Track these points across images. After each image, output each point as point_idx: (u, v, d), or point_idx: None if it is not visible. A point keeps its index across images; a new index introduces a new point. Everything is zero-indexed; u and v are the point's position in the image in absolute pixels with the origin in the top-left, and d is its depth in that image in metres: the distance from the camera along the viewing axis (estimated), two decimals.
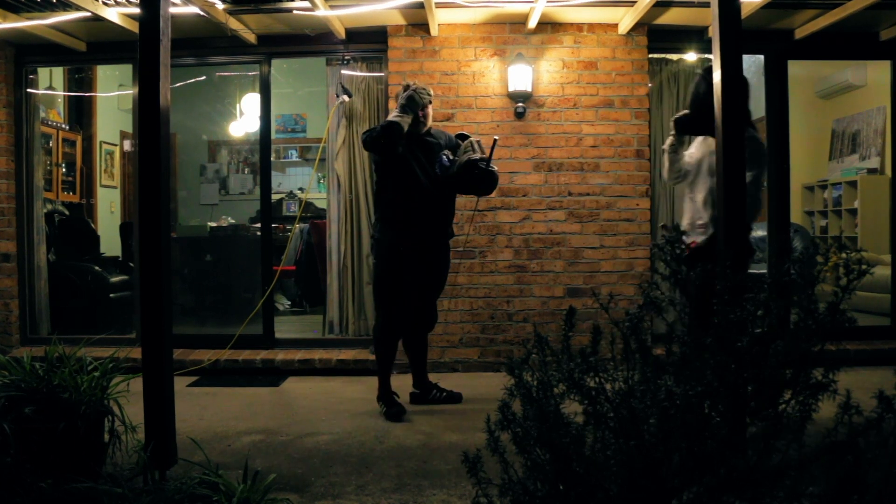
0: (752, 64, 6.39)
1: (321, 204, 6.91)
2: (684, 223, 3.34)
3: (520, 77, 4.60)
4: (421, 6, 4.24)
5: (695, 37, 4.80)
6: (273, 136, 5.29)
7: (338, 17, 4.52)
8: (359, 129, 4.96)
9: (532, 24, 4.55)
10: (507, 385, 1.38)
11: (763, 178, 3.45)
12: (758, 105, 5.16)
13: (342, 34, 4.72)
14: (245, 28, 4.62)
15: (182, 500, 1.93)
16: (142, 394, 2.44)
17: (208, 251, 5.87)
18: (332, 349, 4.80)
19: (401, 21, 4.66)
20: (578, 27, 4.71)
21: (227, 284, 5.66)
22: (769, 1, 4.06)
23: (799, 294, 1.24)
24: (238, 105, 7.52)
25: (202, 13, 4.21)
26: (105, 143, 7.53)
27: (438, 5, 4.30)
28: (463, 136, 3.61)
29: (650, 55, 4.78)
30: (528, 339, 1.44)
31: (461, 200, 4.69)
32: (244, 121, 7.57)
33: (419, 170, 3.46)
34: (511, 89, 4.64)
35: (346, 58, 4.97)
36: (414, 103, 3.42)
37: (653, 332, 1.81)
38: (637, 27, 4.65)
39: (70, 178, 7.00)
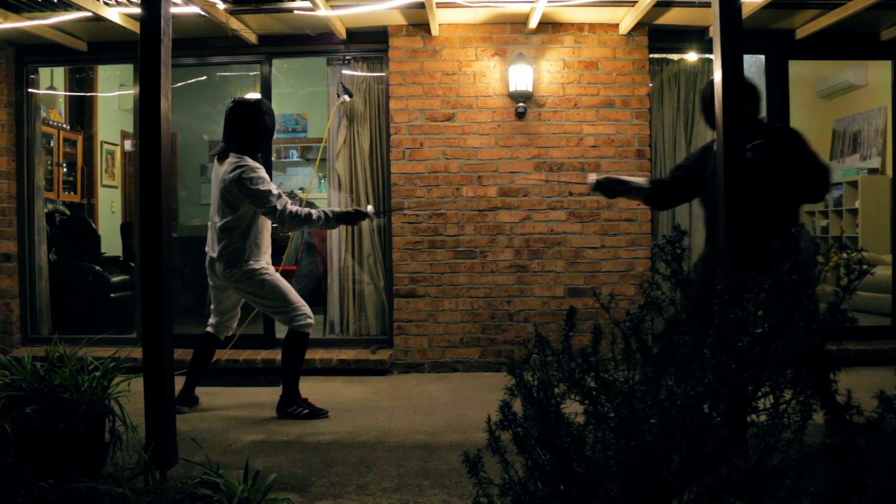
0: (753, 64, 6.38)
1: (322, 204, 6.91)
2: None
3: (521, 77, 4.60)
4: (422, 6, 4.25)
5: (695, 37, 4.80)
6: (274, 135, 5.28)
7: (338, 17, 4.52)
8: (360, 129, 4.97)
9: (533, 24, 4.55)
10: (507, 385, 1.39)
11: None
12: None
13: (343, 34, 4.73)
14: (246, 28, 4.62)
15: (183, 500, 1.93)
16: (142, 394, 2.44)
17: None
18: (332, 349, 4.81)
19: (401, 21, 4.66)
20: (579, 27, 4.71)
21: None
22: (770, 1, 4.06)
23: (800, 294, 1.24)
24: None
25: (203, 13, 4.21)
26: (106, 142, 7.53)
27: (439, 5, 4.30)
28: None
29: (651, 55, 4.78)
30: (528, 338, 1.44)
31: (462, 201, 4.70)
32: None
33: None
34: (512, 89, 4.64)
35: (347, 58, 4.97)
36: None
37: (653, 332, 1.81)
38: (638, 27, 4.65)
39: (71, 178, 7.00)
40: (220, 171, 3.49)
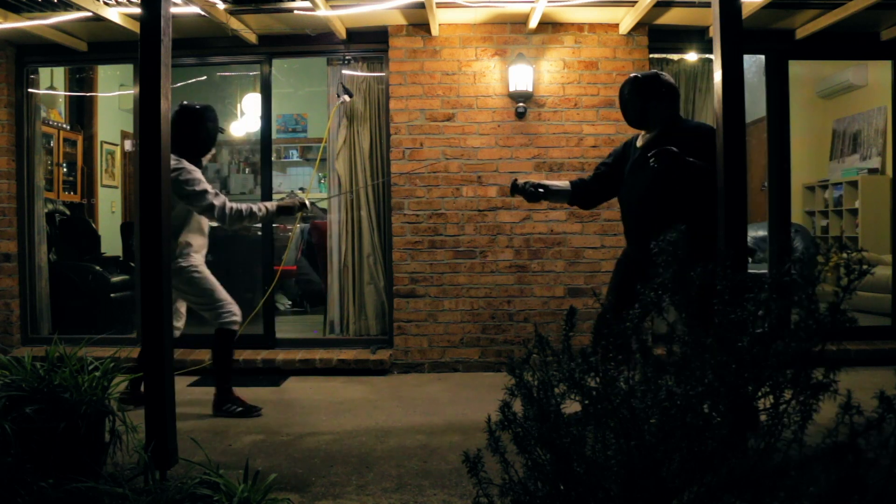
0: (753, 64, 6.40)
1: (322, 204, 6.92)
2: None
3: (521, 77, 4.60)
4: (422, 6, 4.25)
5: (695, 37, 4.80)
6: (274, 136, 5.30)
7: (338, 17, 4.52)
8: (360, 129, 4.97)
9: (533, 24, 4.55)
10: (507, 385, 1.39)
11: None
12: (758, 105, 5.17)
13: (343, 34, 4.72)
14: (246, 28, 4.62)
15: (183, 500, 1.93)
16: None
17: (209, 251, 5.85)
18: (332, 349, 4.81)
19: (401, 21, 4.66)
20: (579, 27, 4.71)
21: (227, 284, 5.57)
22: (770, 1, 4.06)
23: (800, 294, 1.24)
24: (239, 105, 7.52)
25: (203, 13, 4.21)
26: (106, 142, 7.54)
27: (439, 5, 4.30)
28: None
29: (651, 55, 4.78)
30: (528, 338, 1.44)
31: (462, 200, 4.70)
32: (245, 121, 7.58)
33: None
34: (512, 89, 4.64)
35: (347, 58, 4.97)
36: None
37: (653, 332, 1.82)
38: (638, 27, 4.65)
39: (71, 178, 7.00)
40: None
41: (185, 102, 3.67)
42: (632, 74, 3.15)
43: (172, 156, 3.47)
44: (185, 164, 3.51)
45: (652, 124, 3.08)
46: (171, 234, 2.52)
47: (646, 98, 3.04)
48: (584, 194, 3.32)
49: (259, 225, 5.01)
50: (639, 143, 3.17)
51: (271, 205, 3.61)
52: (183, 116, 3.59)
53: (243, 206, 3.51)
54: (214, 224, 3.69)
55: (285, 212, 3.65)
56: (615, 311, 1.36)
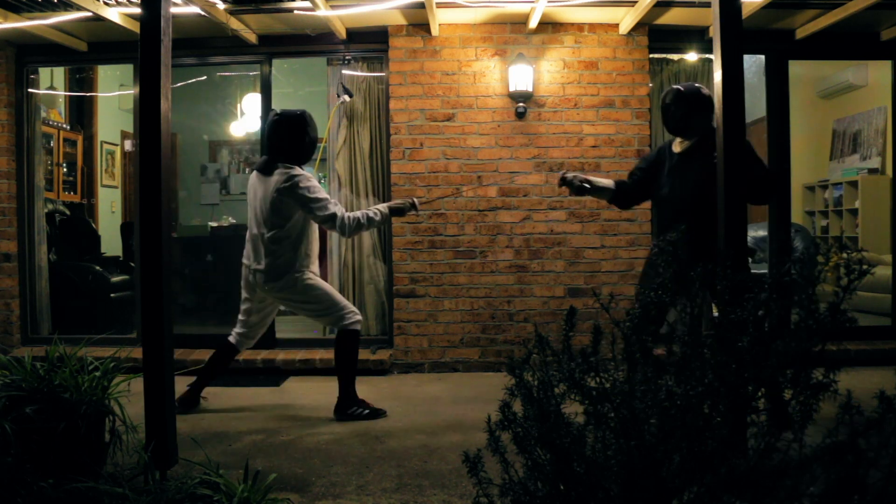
0: (753, 64, 6.40)
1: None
2: None
3: (521, 77, 4.60)
4: (422, 6, 4.25)
5: (695, 37, 4.80)
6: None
7: (338, 17, 4.52)
8: (360, 129, 4.97)
9: (533, 24, 4.55)
10: (507, 385, 1.39)
11: None
12: (758, 105, 5.17)
13: (343, 34, 4.73)
14: (246, 28, 4.62)
15: (183, 500, 1.93)
16: (142, 394, 2.44)
17: (209, 251, 5.87)
18: (332, 349, 4.79)
19: (401, 21, 4.66)
20: (579, 27, 4.71)
21: (227, 284, 5.64)
22: (770, 1, 4.06)
23: (800, 294, 1.24)
24: (239, 105, 7.52)
25: (203, 13, 4.21)
26: (106, 142, 7.54)
27: (439, 5, 4.30)
28: None
29: (651, 55, 4.78)
30: (528, 338, 1.44)
31: (462, 200, 4.70)
32: (245, 121, 7.58)
33: None
34: (512, 89, 4.64)
35: (347, 58, 4.97)
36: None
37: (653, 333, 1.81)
38: (638, 27, 4.65)
39: (71, 178, 7.00)
40: (271, 183, 3.45)
41: (282, 110, 3.61)
42: (674, 86, 3.36)
43: (283, 164, 3.45)
44: (301, 170, 3.44)
45: (691, 133, 3.28)
46: (169, 234, 2.49)
47: (688, 109, 3.25)
48: (624, 196, 3.52)
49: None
50: (676, 148, 3.36)
51: (383, 207, 3.53)
52: (285, 124, 3.51)
53: (360, 214, 3.42)
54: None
55: (396, 213, 3.57)
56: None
